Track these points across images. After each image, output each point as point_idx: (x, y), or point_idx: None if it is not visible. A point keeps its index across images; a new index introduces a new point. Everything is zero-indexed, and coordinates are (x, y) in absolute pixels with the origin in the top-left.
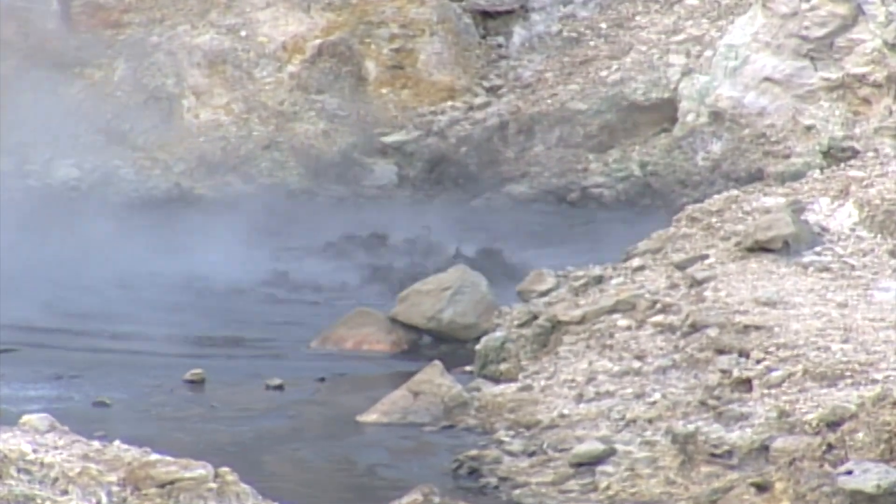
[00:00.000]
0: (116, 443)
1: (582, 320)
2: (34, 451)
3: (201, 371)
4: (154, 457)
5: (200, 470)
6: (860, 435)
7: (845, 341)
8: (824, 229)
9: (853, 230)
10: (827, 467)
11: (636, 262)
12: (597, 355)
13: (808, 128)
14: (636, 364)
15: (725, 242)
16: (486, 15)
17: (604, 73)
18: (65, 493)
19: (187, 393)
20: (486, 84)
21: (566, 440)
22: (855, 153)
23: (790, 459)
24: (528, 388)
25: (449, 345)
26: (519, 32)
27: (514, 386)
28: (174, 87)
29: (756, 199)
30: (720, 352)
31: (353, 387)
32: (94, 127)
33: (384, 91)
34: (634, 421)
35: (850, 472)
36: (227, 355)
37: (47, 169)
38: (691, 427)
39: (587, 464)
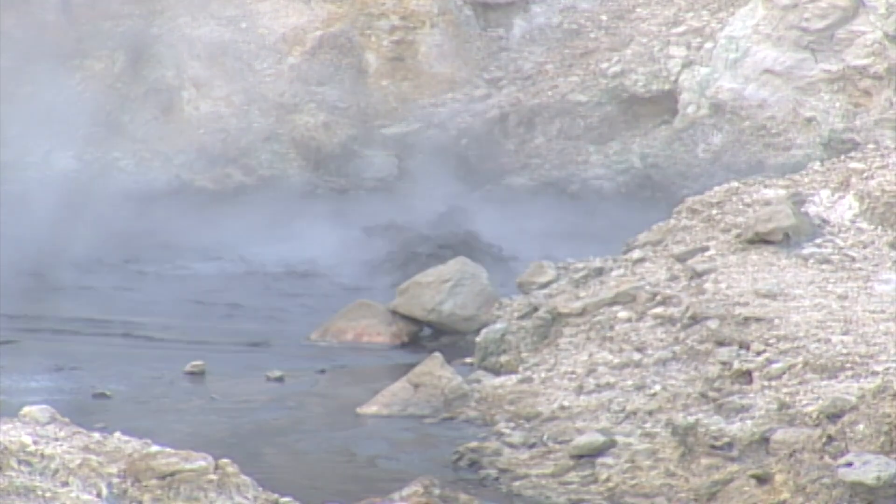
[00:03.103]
0: (117, 434)
1: (582, 312)
2: (34, 442)
3: (202, 363)
4: (154, 448)
5: (201, 461)
6: (860, 427)
7: (845, 333)
8: (825, 221)
9: (853, 222)
10: (827, 459)
11: (636, 253)
12: (597, 347)
13: (809, 119)
14: (636, 356)
15: (726, 234)
16: (486, 7)
17: (604, 65)
18: (65, 484)
19: (187, 385)
20: (486, 76)
21: (566, 432)
22: (855, 145)
23: (790, 451)
24: (528, 379)
25: (449, 336)
26: (519, 24)
27: (514, 378)
28: (174, 79)
29: (756, 190)
30: (720, 344)
31: (353, 378)
32: (94, 118)
33: (384, 83)
34: (635, 413)
35: (850, 464)
36: (228, 346)
37: (47, 160)
38: (691, 419)
39: (587, 455)
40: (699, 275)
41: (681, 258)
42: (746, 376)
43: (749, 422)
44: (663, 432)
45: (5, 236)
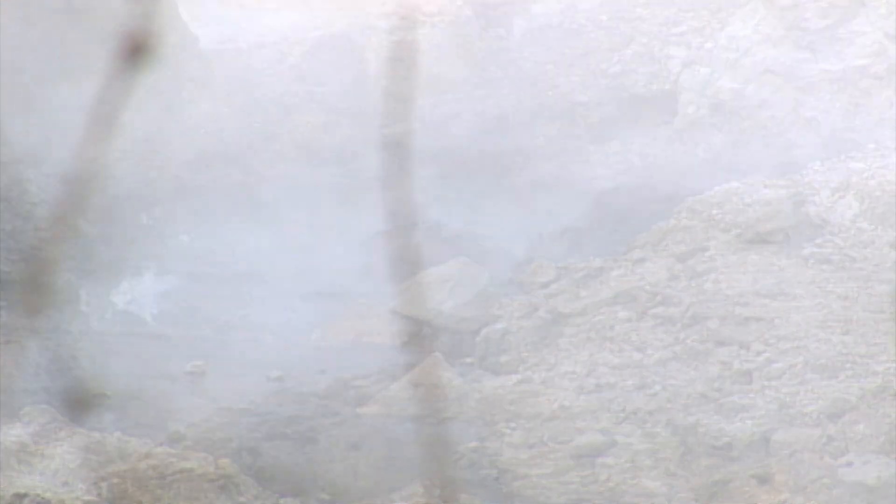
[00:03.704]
0: (117, 434)
1: (583, 312)
2: (35, 442)
3: (202, 363)
4: (154, 448)
5: (201, 461)
6: (860, 427)
7: (846, 333)
8: (825, 221)
9: (853, 222)
10: (827, 459)
11: (637, 253)
12: (597, 347)
13: (809, 119)
14: (637, 356)
15: (726, 234)
16: (486, 7)
17: (604, 65)
18: (65, 484)
19: (187, 385)
20: (486, 76)
21: (567, 432)
22: (855, 145)
23: (790, 451)
24: (528, 379)
25: (449, 336)
26: (520, 24)
27: (514, 378)
28: (174, 79)
29: (756, 190)
30: (721, 343)
31: (353, 379)
32: (94, 118)
33: (384, 83)
34: (635, 413)
35: (850, 464)
36: (227, 346)
37: (46, 160)
38: (692, 419)
39: (588, 455)
40: (699, 274)
41: (681, 258)
42: (747, 376)
43: (749, 422)
44: (664, 432)
45: (4, 234)
